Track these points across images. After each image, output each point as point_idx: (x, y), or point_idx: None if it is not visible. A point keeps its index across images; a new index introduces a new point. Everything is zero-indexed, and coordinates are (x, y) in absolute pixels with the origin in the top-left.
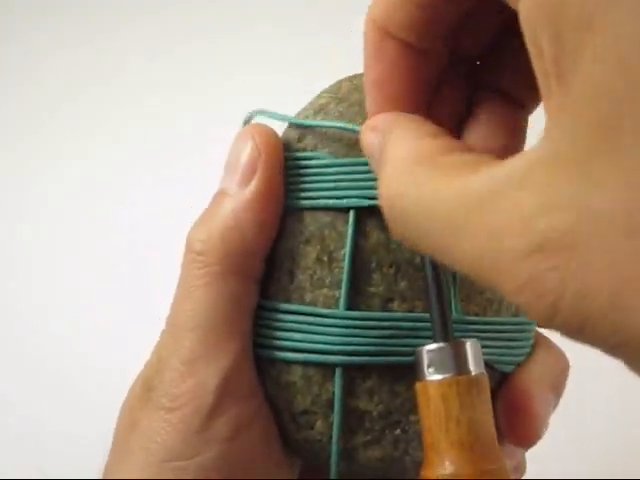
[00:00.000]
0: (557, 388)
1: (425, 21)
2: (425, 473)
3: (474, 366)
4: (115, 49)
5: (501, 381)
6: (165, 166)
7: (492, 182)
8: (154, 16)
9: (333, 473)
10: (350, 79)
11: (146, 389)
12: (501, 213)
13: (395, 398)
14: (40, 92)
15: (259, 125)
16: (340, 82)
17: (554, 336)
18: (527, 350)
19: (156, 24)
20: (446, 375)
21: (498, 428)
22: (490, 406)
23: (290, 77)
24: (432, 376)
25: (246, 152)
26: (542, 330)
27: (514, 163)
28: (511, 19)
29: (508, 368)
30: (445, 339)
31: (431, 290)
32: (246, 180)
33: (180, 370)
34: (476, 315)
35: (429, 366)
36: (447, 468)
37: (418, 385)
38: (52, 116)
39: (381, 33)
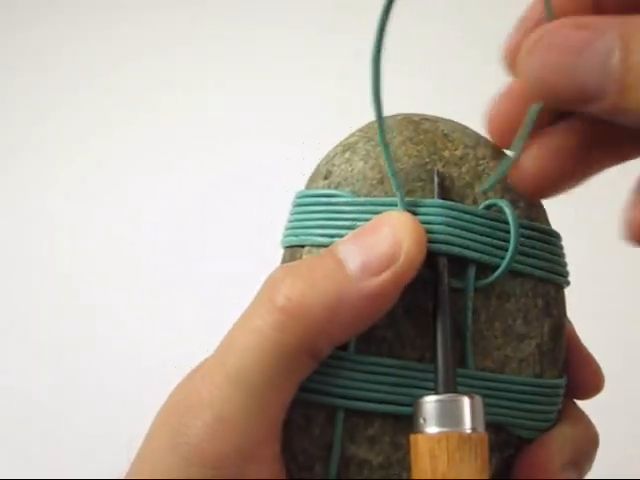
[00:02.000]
0: (580, 464)
1: None
2: None
3: (471, 423)
4: (131, 44)
5: (520, 447)
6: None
7: None
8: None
9: None
10: (390, 120)
11: (171, 427)
12: None
13: (396, 450)
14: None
15: (412, 218)
16: (372, 122)
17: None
18: (551, 417)
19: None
20: (438, 429)
21: None
22: (486, 467)
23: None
24: (424, 429)
25: (390, 241)
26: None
27: None
28: None
29: (527, 433)
30: (444, 391)
31: (438, 338)
32: (374, 271)
33: (212, 426)
34: (492, 372)
35: (423, 418)
36: None
37: (411, 437)
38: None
39: None
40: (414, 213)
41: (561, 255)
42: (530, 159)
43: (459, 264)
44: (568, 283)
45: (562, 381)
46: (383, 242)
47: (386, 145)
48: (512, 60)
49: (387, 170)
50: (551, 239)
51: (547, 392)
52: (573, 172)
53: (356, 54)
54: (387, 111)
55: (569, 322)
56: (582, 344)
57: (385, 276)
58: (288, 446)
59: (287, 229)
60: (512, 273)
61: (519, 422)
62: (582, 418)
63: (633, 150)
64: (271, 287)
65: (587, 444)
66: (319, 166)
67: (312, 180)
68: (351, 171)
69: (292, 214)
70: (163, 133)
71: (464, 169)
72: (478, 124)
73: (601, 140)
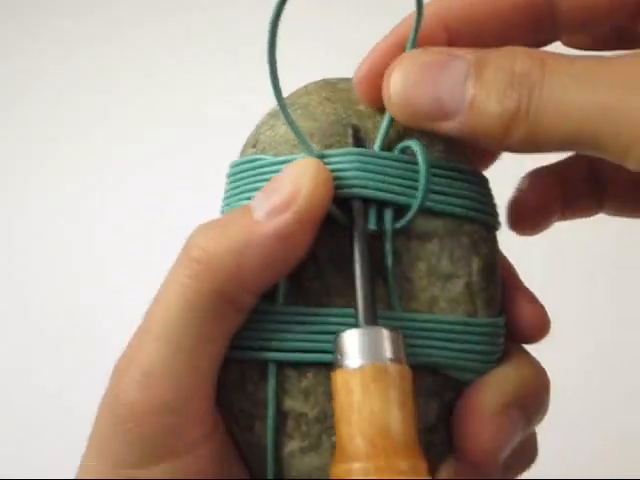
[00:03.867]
0: (527, 406)
1: None
2: (332, 471)
3: (390, 355)
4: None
5: (461, 390)
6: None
7: None
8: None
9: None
10: (310, 85)
11: (108, 389)
12: None
13: (331, 400)
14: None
15: (316, 162)
16: (296, 90)
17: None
18: (491, 358)
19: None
20: (354, 363)
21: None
22: (408, 401)
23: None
24: (342, 364)
25: (290, 183)
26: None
27: None
28: None
29: (465, 376)
30: (363, 325)
31: (356, 275)
32: (277, 212)
33: (140, 381)
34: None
35: (340, 354)
36: (346, 463)
37: (331, 375)
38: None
39: None
40: (328, 163)
41: (486, 195)
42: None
43: (380, 210)
44: (498, 223)
45: (499, 320)
46: (285, 185)
47: (283, 105)
48: (365, 86)
49: (291, 128)
50: (473, 179)
51: (482, 331)
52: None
53: None
54: None
55: (510, 264)
56: (523, 284)
57: (287, 215)
58: (228, 408)
59: (223, 200)
60: (432, 213)
61: (454, 363)
62: (527, 359)
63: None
64: (187, 242)
65: (534, 385)
66: (249, 137)
67: (243, 151)
68: (274, 136)
69: (226, 185)
70: (172, 134)
71: (378, 119)
72: None
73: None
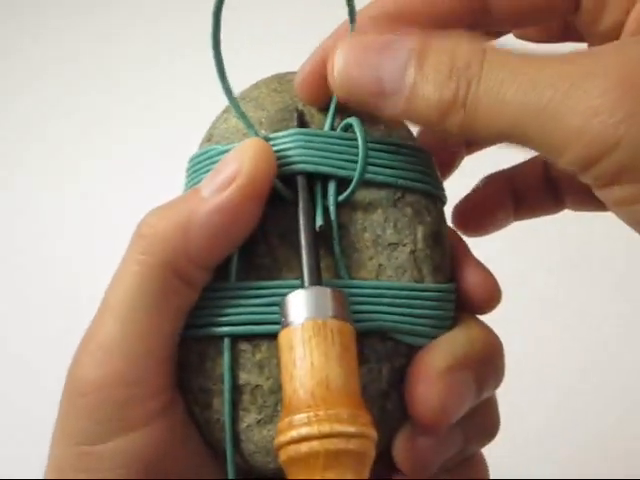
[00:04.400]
0: (478, 369)
1: None
2: (278, 426)
3: (331, 313)
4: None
5: (412, 356)
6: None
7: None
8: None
9: (229, 454)
10: (260, 80)
11: (68, 370)
12: None
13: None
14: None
15: (257, 140)
16: (248, 86)
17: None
18: (441, 324)
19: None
20: (296, 322)
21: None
22: (348, 355)
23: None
24: (286, 324)
25: (233, 161)
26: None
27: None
28: None
29: (415, 340)
30: (307, 286)
31: (301, 241)
32: (221, 189)
33: (95, 355)
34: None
35: (284, 316)
36: (289, 416)
37: (277, 338)
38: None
39: None
40: (274, 144)
41: (429, 168)
42: None
43: (324, 185)
44: (444, 196)
45: (447, 287)
46: (229, 164)
47: (231, 94)
48: (306, 87)
49: (239, 116)
50: (415, 153)
51: (430, 296)
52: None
53: None
54: None
55: (460, 236)
56: (471, 253)
57: (229, 190)
58: (189, 388)
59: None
60: (376, 185)
61: (403, 327)
62: (477, 324)
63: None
64: (139, 223)
65: (483, 348)
66: (205, 133)
67: (200, 146)
68: (227, 128)
69: (185, 179)
70: (173, 134)
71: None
72: None
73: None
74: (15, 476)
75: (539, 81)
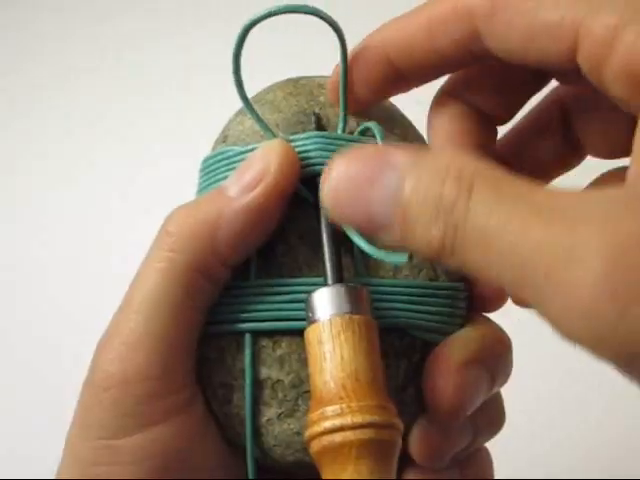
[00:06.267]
0: (490, 364)
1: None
2: (308, 418)
3: (355, 309)
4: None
5: (428, 351)
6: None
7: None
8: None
9: (249, 447)
10: (275, 84)
11: (91, 363)
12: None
13: (305, 366)
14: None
15: (282, 141)
16: (260, 90)
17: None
18: (454, 321)
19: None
20: (323, 317)
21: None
22: (374, 349)
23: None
24: (313, 320)
25: (260, 162)
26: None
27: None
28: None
29: (430, 337)
30: (331, 283)
31: (324, 241)
32: (248, 189)
33: (119, 350)
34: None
35: (311, 312)
36: (320, 408)
37: (305, 332)
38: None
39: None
40: (294, 146)
41: None
42: None
43: None
44: None
45: (459, 285)
46: (256, 164)
47: (246, 98)
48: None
49: (255, 119)
50: None
51: (444, 294)
52: None
53: None
54: None
55: None
56: None
57: (257, 190)
58: (209, 384)
59: (196, 194)
60: None
61: (420, 324)
62: (488, 322)
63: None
64: (164, 221)
65: (495, 343)
66: (218, 135)
67: (213, 147)
68: (242, 130)
69: (198, 179)
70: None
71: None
72: None
73: None
74: (14, 476)
75: (522, 248)
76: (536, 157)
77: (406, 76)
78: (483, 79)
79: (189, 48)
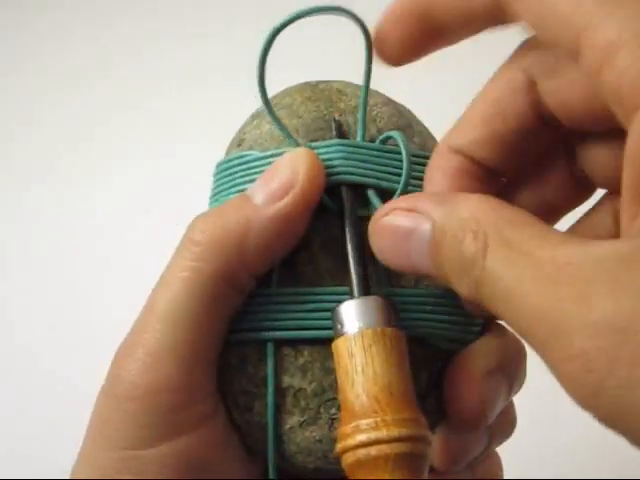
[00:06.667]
0: (508, 372)
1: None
2: (340, 432)
3: (385, 321)
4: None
5: (449, 360)
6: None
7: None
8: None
9: (270, 455)
10: (291, 88)
11: (110, 372)
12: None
13: (327, 375)
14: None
15: (309, 151)
16: (276, 94)
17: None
18: (474, 330)
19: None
20: (353, 330)
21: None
22: (405, 361)
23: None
24: (342, 333)
25: (288, 170)
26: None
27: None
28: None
29: (452, 346)
30: (358, 295)
31: (349, 252)
32: (276, 198)
33: (144, 361)
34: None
35: (340, 324)
36: (354, 421)
37: (332, 345)
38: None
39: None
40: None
41: None
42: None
43: (366, 196)
44: None
45: None
46: (282, 173)
47: (268, 102)
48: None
49: (276, 123)
50: None
51: (463, 304)
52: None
53: None
54: None
55: None
56: None
57: (286, 200)
58: (229, 391)
59: (210, 198)
60: None
61: (440, 333)
62: (506, 331)
63: None
64: (188, 229)
65: (513, 352)
66: (233, 138)
67: (228, 150)
68: (260, 134)
69: (213, 184)
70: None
71: (359, 115)
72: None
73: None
74: (15, 476)
75: (525, 314)
76: (543, 196)
77: (442, 30)
78: (493, 141)
79: (189, 48)
